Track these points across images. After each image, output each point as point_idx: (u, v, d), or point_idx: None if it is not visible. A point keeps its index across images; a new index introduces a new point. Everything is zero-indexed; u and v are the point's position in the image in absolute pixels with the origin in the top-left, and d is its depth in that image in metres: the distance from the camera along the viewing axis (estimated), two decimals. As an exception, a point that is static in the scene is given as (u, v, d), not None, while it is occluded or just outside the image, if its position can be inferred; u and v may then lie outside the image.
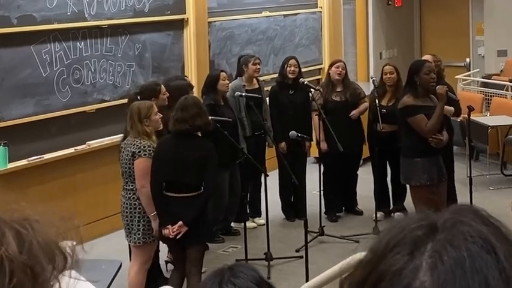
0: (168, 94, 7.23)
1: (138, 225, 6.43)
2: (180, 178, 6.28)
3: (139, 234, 6.44)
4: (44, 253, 1.12)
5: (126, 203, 6.52)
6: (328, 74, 9.07)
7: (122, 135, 6.95)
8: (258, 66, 8.83)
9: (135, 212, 6.46)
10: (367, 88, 9.81)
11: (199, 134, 6.50)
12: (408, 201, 8.69)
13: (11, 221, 1.11)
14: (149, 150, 6.33)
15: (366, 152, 9.38)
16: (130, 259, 6.75)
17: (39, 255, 1.11)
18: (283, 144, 8.71)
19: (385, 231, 1.03)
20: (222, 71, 8.61)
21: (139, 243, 6.47)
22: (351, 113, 8.80)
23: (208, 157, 6.28)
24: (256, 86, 8.87)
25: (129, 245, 6.76)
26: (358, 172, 9.27)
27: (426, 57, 8.72)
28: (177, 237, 6.22)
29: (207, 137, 6.56)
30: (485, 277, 0.94)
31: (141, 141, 6.36)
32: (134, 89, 8.54)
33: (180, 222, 6.20)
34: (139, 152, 6.34)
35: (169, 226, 6.23)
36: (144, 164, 6.33)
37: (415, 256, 0.97)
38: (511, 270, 0.95)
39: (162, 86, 7.32)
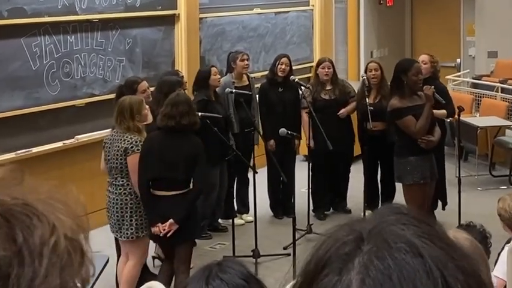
0: (149, 92, 7.21)
1: (131, 220, 6.39)
2: (169, 175, 6.23)
3: (132, 229, 6.40)
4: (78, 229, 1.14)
5: (116, 199, 6.46)
6: (317, 73, 9.05)
7: (110, 130, 6.93)
8: (247, 62, 8.81)
9: (126, 208, 6.42)
10: (358, 87, 9.79)
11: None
12: (397, 201, 8.69)
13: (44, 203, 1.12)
14: (142, 145, 6.32)
15: (356, 151, 9.36)
16: (117, 252, 6.73)
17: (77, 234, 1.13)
18: (271, 141, 8.69)
19: (312, 252, 1.03)
20: (213, 66, 8.59)
21: (132, 237, 6.43)
22: (339, 112, 8.78)
23: (198, 154, 6.25)
24: (246, 82, 8.85)
25: (116, 241, 6.73)
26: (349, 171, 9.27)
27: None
28: (168, 235, 6.19)
29: (196, 133, 6.53)
30: (413, 283, 0.94)
31: (132, 136, 6.33)
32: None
33: (171, 220, 6.15)
34: (132, 147, 6.31)
35: (159, 224, 6.20)
36: (137, 159, 6.30)
37: (344, 274, 0.96)
38: (437, 270, 0.95)
39: (143, 83, 7.26)
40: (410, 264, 0.95)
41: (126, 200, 6.43)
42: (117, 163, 6.43)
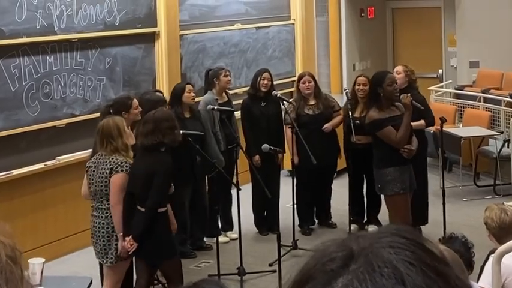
0: (141, 109, 7.14)
1: (116, 245, 6.28)
2: (134, 191, 6.22)
3: (116, 253, 6.29)
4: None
5: (103, 223, 6.32)
6: (298, 88, 9.00)
7: (90, 151, 6.83)
8: (229, 78, 8.78)
9: (113, 232, 6.29)
10: (340, 100, 9.78)
11: None
12: (382, 214, 8.67)
13: None
14: (126, 166, 6.23)
15: (341, 164, 9.33)
16: (100, 276, 6.64)
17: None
18: (257, 157, 8.64)
19: (302, 264, 1.02)
20: (189, 83, 8.52)
21: (116, 262, 6.32)
22: (324, 126, 8.73)
23: (157, 171, 6.18)
24: (226, 99, 8.81)
25: (101, 265, 6.61)
26: (332, 185, 9.22)
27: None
28: (129, 251, 6.18)
29: (174, 150, 6.50)
30: None
31: (117, 157, 6.25)
32: (105, 103, 8.46)
33: (130, 236, 6.15)
34: (116, 167, 6.22)
35: (127, 238, 6.18)
36: (120, 180, 6.22)
37: None
38: None
39: (135, 100, 7.20)
40: None
41: (113, 224, 6.31)
42: (102, 186, 6.32)
